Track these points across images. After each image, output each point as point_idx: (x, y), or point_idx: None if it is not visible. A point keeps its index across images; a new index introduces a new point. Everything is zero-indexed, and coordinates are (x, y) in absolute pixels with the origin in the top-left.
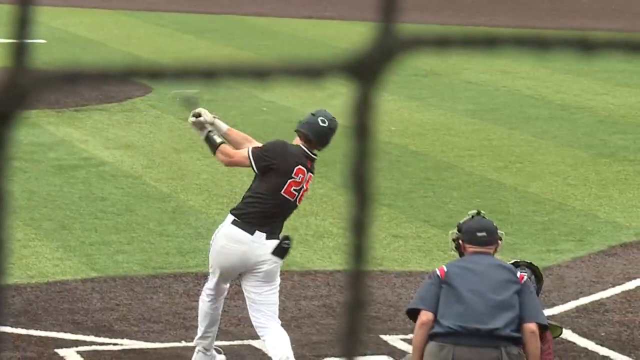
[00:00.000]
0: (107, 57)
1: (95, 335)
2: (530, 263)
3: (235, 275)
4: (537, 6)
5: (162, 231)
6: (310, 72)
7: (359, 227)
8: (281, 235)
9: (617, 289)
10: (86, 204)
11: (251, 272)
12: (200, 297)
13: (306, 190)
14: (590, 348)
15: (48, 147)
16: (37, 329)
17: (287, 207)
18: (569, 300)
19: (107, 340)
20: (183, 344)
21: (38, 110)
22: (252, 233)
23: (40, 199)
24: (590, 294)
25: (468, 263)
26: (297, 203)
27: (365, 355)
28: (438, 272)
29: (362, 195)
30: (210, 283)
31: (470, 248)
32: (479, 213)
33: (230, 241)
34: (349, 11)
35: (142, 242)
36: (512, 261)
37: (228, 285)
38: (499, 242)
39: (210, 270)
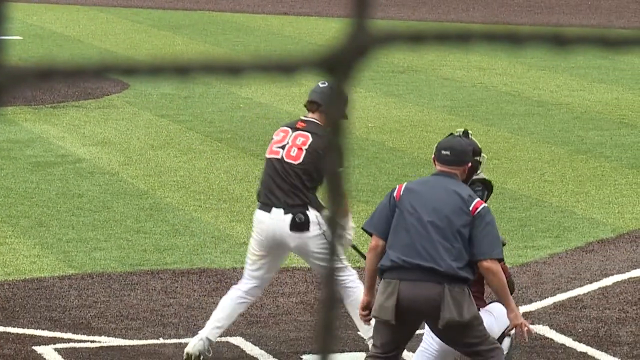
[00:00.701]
0: (83, 54)
1: (73, 333)
2: (484, 179)
3: (280, 259)
4: (513, 2)
5: (140, 228)
6: (283, 68)
7: (333, 222)
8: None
9: (595, 285)
10: (63, 201)
11: (288, 250)
12: (233, 293)
13: (293, 146)
14: (567, 344)
15: (25, 144)
16: (14, 326)
17: (276, 168)
18: (547, 297)
19: (84, 337)
20: (161, 340)
21: (14, 107)
22: (269, 211)
23: (17, 196)
24: (568, 290)
25: (425, 185)
26: (287, 159)
27: (344, 352)
28: (395, 193)
29: (335, 191)
30: (248, 283)
31: (437, 166)
32: (465, 132)
33: (257, 223)
34: (325, 8)
35: (119, 239)
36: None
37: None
38: (468, 165)
39: (253, 264)
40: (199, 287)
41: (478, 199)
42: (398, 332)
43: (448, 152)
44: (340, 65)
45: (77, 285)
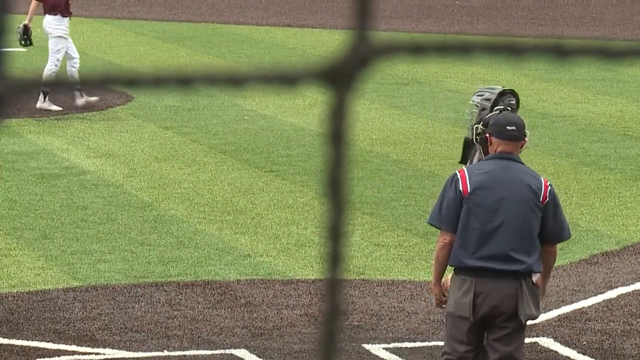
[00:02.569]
0: (87, 66)
1: (77, 345)
2: (513, 90)
3: None
4: (517, 14)
5: (144, 240)
6: (285, 79)
7: (335, 234)
8: None
9: (599, 298)
10: (67, 213)
11: None
12: None
13: None
14: (572, 357)
15: (29, 156)
16: (18, 339)
17: None
18: (551, 309)
19: (89, 349)
20: (165, 353)
21: (19, 119)
22: None
23: (21, 208)
24: (572, 302)
25: (493, 178)
26: None
27: None
28: (461, 188)
29: (337, 201)
30: None
31: (499, 145)
32: (507, 109)
33: None
34: (329, 19)
35: (123, 251)
36: (496, 89)
37: None
38: (526, 139)
39: None
40: (203, 300)
41: (543, 183)
42: (474, 331)
43: (514, 128)
44: (342, 76)
45: (81, 298)
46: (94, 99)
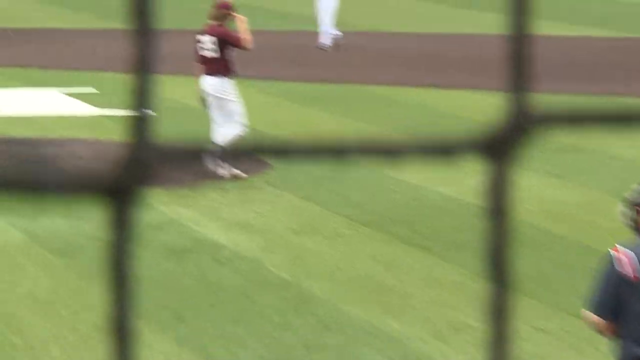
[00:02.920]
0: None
1: None
2: None
3: None
4: None
5: (285, 322)
6: (441, 150)
7: (499, 318)
8: None
9: None
10: (200, 290)
11: None
12: None
13: None
14: None
15: (158, 227)
16: None
17: None
18: None
19: None
20: None
21: (148, 188)
22: None
23: (151, 285)
24: None
25: None
26: None
27: None
28: (624, 270)
29: (501, 283)
30: None
31: None
32: None
33: None
34: (475, 80)
35: (263, 335)
36: None
37: None
38: None
39: None
40: None
41: None
42: None
43: None
44: (500, 146)
45: None
46: (242, 175)
